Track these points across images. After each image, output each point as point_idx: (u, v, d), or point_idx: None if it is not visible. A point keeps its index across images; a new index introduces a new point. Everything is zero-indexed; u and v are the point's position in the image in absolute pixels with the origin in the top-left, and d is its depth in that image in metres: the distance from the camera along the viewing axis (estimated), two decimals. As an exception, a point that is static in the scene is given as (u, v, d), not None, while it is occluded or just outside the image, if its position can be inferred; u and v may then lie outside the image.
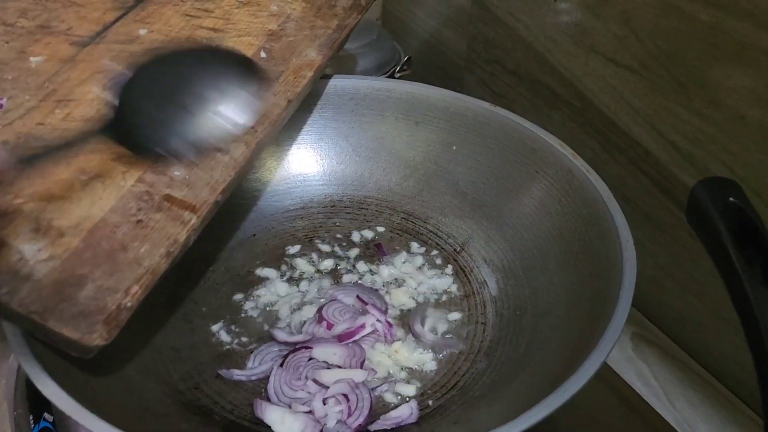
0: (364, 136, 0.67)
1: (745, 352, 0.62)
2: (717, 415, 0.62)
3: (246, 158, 0.48)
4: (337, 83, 0.66)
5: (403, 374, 0.52)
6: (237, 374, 0.51)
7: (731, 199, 0.41)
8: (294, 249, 0.63)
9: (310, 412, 0.48)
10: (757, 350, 0.36)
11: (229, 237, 0.62)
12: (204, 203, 0.44)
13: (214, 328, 0.55)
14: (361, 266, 0.61)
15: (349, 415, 0.48)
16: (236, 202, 0.64)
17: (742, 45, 0.55)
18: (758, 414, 0.62)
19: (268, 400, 0.49)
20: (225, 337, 0.54)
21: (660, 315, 0.70)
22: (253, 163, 0.50)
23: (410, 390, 0.50)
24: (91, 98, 0.46)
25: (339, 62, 0.83)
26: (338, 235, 0.64)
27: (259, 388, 0.50)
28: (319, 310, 0.56)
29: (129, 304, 0.38)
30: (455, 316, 0.56)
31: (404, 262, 0.61)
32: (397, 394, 0.50)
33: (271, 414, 0.47)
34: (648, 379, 0.65)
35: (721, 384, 0.65)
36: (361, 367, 0.51)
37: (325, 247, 0.63)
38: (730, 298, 0.39)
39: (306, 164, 0.67)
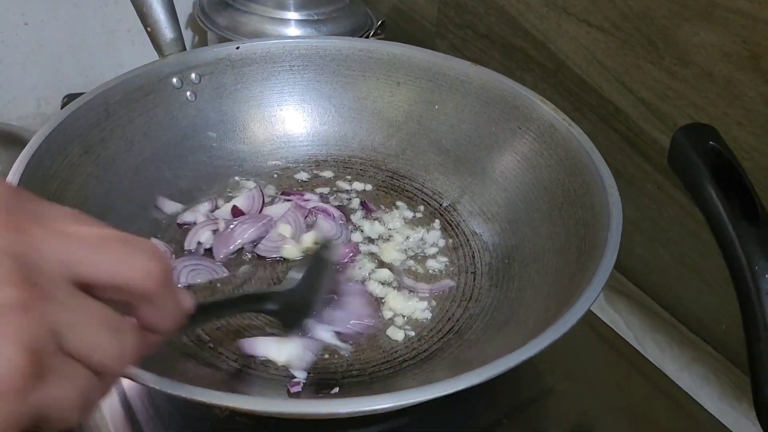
0: (347, 96, 0.67)
1: (707, 295, 0.66)
2: (683, 355, 0.66)
3: None
4: (319, 44, 0.66)
5: (398, 320, 0.53)
6: None
7: (711, 143, 0.44)
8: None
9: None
10: (740, 282, 0.39)
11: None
12: None
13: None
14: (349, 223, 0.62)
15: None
16: (221, 164, 0.64)
17: (711, 4, 0.57)
18: (719, 351, 0.66)
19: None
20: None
21: (628, 266, 0.74)
22: None
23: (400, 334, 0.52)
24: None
25: (312, 27, 0.83)
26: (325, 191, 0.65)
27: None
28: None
29: None
30: (442, 261, 0.58)
31: (392, 218, 0.62)
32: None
33: (262, 346, 0.48)
34: (619, 326, 0.69)
35: (685, 327, 0.69)
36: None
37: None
38: (712, 235, 0.42)
39: (290, 125, 0.67)
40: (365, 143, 0.67)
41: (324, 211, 0.61)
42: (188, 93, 0.62)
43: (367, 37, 0.83)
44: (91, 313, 0.25)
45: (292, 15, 0.84)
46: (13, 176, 0.46)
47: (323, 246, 0.52)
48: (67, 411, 0.24)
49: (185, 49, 0.62)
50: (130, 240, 0.27)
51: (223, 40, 0.82)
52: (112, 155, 0.56)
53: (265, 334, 0.50)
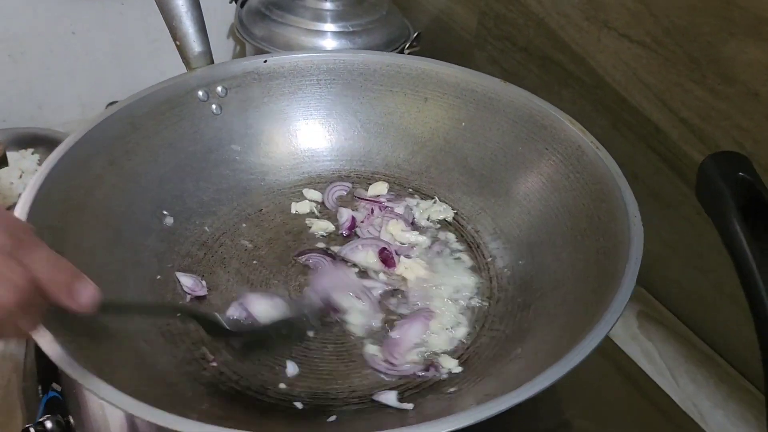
0: (373, 112, 0.66)
1: (746, 326, 0.62)
2: (719, 390, 0.63)
3: None
4: (347, 58, 0.66)
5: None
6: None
7: (741, 173, 0.41)
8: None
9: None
10: (763, 334, 0.36)
11: (237, 212, 0.62)
12: None
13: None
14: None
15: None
16: (243, 177, 0.64)
17: (758, 19, 0.54)
18: (758, 388, 0.62)
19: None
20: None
21: (665, 292, 0.70)
22: None
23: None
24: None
25: (348, 38, 0.83)
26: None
27: (268, 361, 0.50)
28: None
29: None
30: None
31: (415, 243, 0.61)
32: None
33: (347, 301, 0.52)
34: (653, 356, 0.65)
35: (723, 359, 0.65)
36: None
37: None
38: (737, 274, 0.39)
39: (314, 140, 0.67)
40: (390, 159, 0.66)
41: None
42: (214, 106, 0.63)
43: (402, 49, 0.82)
44: None
45: (329, 27, 0.83)
46: (31, 189, 0.47)
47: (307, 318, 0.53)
48: None
49: (213, 63, 0.63)
50: None
51: (259, 51, 0.83)
52: (136, 167, 0.57)
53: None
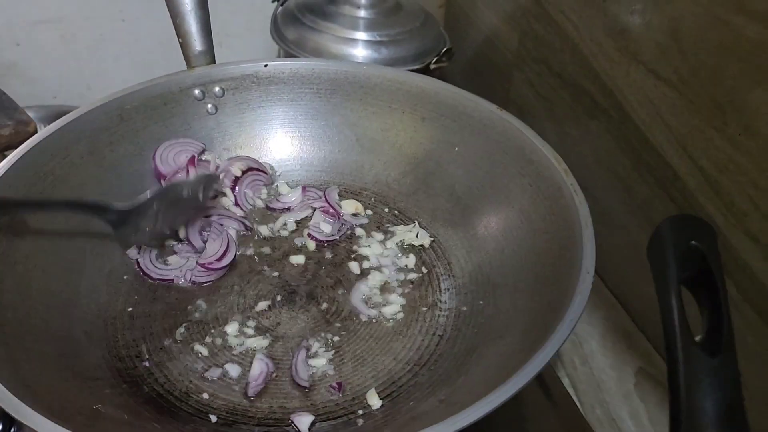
0: (370, 126, 0.65)
1: (752, 411, 0.55)
2: (714, 474, 0.56)
3: None
4: (349, 69, 0.64)
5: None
6: None
7: (693, 242, 0.36)
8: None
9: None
10: (674, 414, 0.32)
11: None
12: None
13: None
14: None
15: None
16: (230, 179, 0.64)
17: (783, 69, 0.48)
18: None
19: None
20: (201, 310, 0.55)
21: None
22: None
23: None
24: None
25: (374, 48, 0.81)
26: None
27: (197, 367, 0.50)
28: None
29: None
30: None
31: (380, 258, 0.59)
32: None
33: None
34: (641, 420, 0.60)
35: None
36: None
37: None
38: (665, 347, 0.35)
39: (308, 149, 0.66)
40: (380, 177, 0.64)
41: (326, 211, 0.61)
42: (209, 105, 0.63)
43: (429, 63, 0.80)
44: None
45: (360, 35, 0.82)
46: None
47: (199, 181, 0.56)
48: None
49: (214, 62, 0.63)
50: None
51: (288, 54, 0.83)
52: (119, 159, 0.58)
53: None
